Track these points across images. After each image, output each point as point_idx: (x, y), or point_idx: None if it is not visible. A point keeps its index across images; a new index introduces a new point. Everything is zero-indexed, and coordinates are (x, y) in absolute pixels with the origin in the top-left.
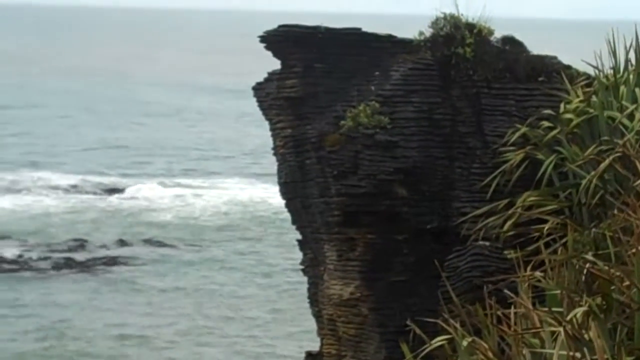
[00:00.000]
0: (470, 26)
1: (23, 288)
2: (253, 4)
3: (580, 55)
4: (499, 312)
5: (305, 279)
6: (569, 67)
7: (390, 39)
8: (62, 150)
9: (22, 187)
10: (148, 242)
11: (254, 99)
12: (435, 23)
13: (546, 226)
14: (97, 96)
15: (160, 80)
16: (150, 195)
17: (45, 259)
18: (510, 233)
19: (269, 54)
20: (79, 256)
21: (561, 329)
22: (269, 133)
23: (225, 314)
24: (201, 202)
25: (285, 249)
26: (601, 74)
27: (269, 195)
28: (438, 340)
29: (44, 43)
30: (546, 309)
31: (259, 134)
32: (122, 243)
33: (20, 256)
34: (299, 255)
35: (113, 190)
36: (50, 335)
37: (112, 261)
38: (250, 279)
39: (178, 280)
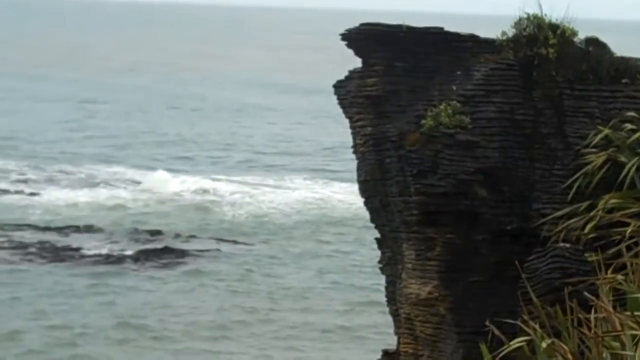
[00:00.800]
0: (554, 27)
1: (105, 278)
2: (324, 3)
3: None
4: (579, 315)
5: (382, 277)
6: None
7: (472, 38)
8: (138, 144)
9: (99, 181)
10: (220, 236)
11: (331, 97)
12: (518, 23)
13: (628, 229)
14: (175, 92)
15: (236, 77)
16: (224, 190)
17: (123, 250)
18: (591, 235)
19: (341, 51)
20: (156, 249)
21: None
22: (348, 131)
23: (299, 312)
24: (277, 199)
25: (361, 247)
26: None
27: (346, 193)
28: (517, 342)
29: (120, 39)
30: (627, 312)
31: (337, 131)
32: (195, 237)
33: (100, 248)
34: (376, 253)
35: (188, 184)
36: (130, 325)
37: (186, 254)
38: (325, 277)
39: (250, 276)
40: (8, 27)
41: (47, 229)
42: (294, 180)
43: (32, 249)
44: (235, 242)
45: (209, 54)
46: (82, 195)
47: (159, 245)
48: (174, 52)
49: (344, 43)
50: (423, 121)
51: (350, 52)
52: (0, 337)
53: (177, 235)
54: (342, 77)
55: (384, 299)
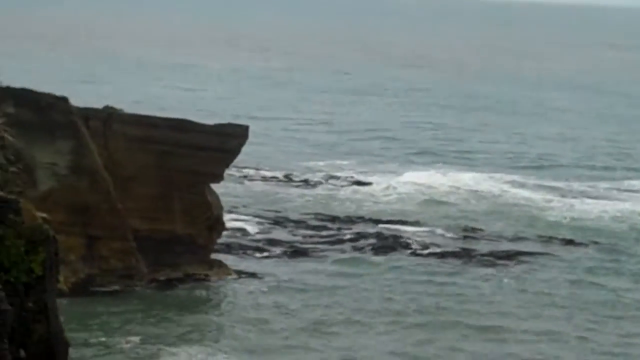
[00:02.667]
0: None
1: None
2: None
3: None
4: None
5: None
6: None
7: None
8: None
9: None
10: (546, 238)
11: None
12: None
13: None
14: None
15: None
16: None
17: (446, 247)
18: None
19: None
20: (474, 247)
21: None
22: None
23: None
24: (600, 207)
25: None
26: None
27: None
28: None
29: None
30: None
31: None
32: (516, 237)
33: (429, 243)
34: None
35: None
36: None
37: (506, 255)
38: None
39: (570, 281)
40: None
41: (378, 221)
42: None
43: (370, 241)
44: (562, 245)
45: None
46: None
47: (484, 245)
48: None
49: None
50: None
51: None
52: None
53: (497, 235)
54: None
55: None
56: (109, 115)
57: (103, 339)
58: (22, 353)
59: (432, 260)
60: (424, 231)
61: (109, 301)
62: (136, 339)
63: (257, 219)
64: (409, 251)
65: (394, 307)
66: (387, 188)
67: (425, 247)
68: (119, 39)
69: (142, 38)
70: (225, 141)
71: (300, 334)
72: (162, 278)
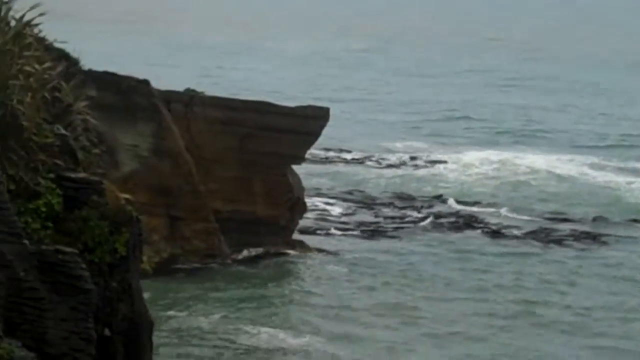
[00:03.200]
0: None
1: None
2: None
3: None
4: None
5: None
6: None
7: None
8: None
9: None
10: (624, 220)
11: None
12: None
13: None
14: None
15: None
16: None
17: (522, 229)
18: None
19: None
20: (554, 227)
21: None
22: None
23: None
24: None
25: None
26: None
27: None
28: None
29: None
30: None
31: None
32: (598, 219)
33: (504, 224)
34: None
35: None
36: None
37: (588, 236)
38: None
39: None
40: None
41: (457, 201)
42: None
43: (449, 219)
44: None
45: None
46: (489, 171)
47: (565, 226)
48: None
49: None
50: None
51: None
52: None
53: (582, 218)
54: None
55: None
56: (191, 98)
57: (185, 317)
58: (107, 331)
59: (511, 241)
60: (502, 212)
61: (190, 280)
62: (216, 317)
63: (337, 200)
64: (487, 231)
65: (474, 284)
66: (466, 168)
67: (504, 227)
68: (198, 22)
69: (222, 21)
70: (306, 123)
71: (384, 314)
72: (242, 257)
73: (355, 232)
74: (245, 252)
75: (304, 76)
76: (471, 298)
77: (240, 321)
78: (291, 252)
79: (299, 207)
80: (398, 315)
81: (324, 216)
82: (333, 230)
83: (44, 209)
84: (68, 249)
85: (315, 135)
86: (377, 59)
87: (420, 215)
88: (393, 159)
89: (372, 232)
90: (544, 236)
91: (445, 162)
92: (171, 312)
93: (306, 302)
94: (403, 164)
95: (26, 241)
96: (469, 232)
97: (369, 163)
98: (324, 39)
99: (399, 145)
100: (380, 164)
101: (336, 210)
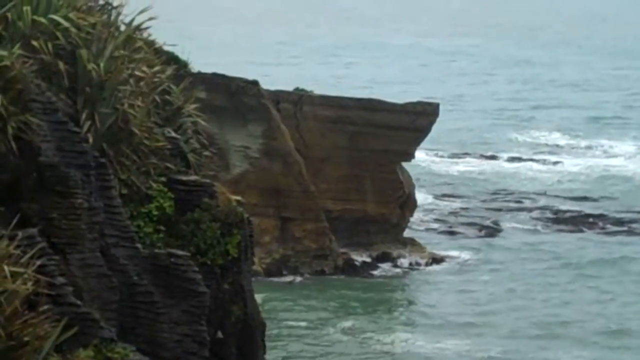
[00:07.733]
0: None
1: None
2: None
3: None
4: None
5: None
6: None
7: None
8: None
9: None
10: None
11: None
12: None
13: None
14: None
15: None
16: None
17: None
18: None
19: None
20: None
21: None
22: None
23: None
24: None
25: None
26: None
27: None
28: None
29: None
30: None
31: None
32: None
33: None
34: None
35: None
36: None
37: None
38: None
39: None
40: None
41: (562, 197)
42: None
43: (564, 216)
44: None
45: None
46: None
47: None
48: None
49: None
50: None
51: None
52: None
53: None
54: None
55: None
56: (300, 98)
57: (296, 321)
58: (220, 334)
59: (623, 238)
60: (618, 209)
61: (301, 282)
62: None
63: (446, 197)
64: (598, 230)
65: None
66: (582, 163)
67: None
68: (306, 20)
69: (330, 19)
70: (416, 119)
71: (509, 315)
72: (355, 257)
73: (466, 231)
74: (357, 253)
75: (412, 71)
76: (595, 300)
77: (367, 328)
78: (404, 252)
79: (410, 204)
80: (521, 315)
81: (433, 213)
82: (444, 229)
83: (156, 213)
84: (180, 252)
85: (425, 131)
86: (484, 52)
87: (531, 213)
88: (503, 154)
89: (483, 230)
90: None
91: (558, 159)
92: (284, 315)
93: (428, 304)
94: (514, 159)
95: (139, 245)
96: (582, 229)
97: (478, 158)
98: (429, 32)
99: (510, 138)
100: (489, 159)
101: (445, 206)
